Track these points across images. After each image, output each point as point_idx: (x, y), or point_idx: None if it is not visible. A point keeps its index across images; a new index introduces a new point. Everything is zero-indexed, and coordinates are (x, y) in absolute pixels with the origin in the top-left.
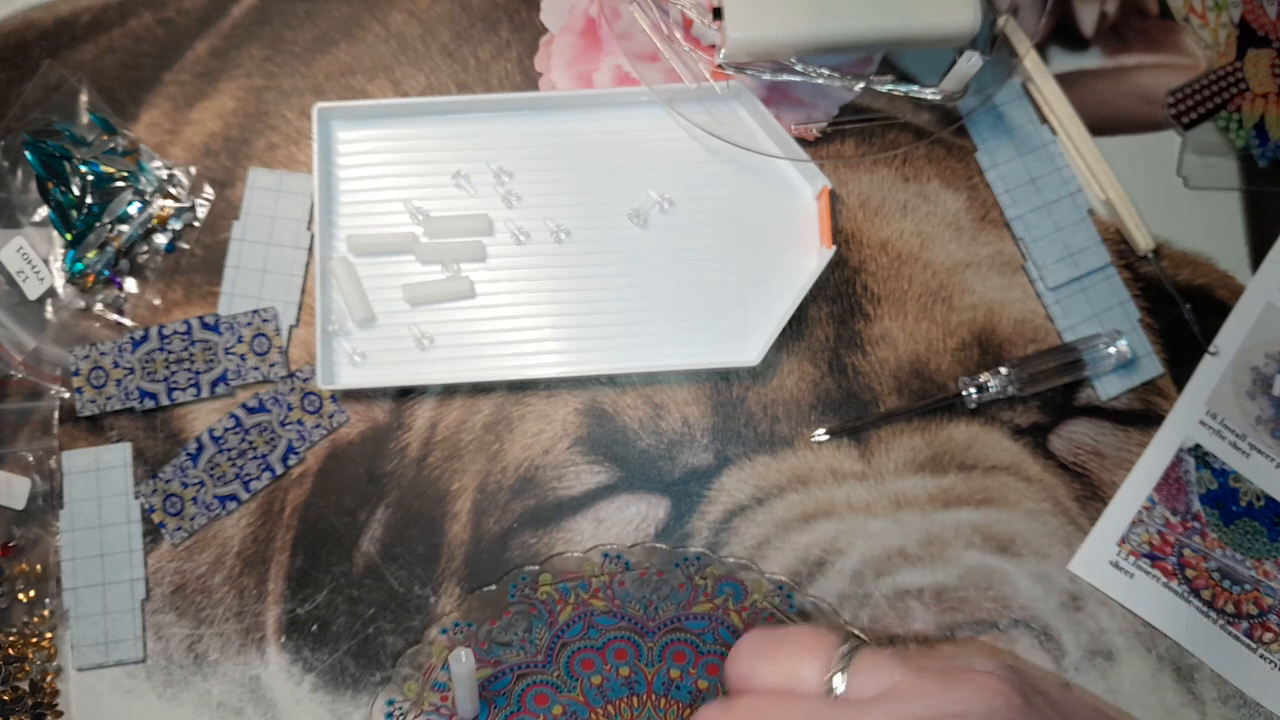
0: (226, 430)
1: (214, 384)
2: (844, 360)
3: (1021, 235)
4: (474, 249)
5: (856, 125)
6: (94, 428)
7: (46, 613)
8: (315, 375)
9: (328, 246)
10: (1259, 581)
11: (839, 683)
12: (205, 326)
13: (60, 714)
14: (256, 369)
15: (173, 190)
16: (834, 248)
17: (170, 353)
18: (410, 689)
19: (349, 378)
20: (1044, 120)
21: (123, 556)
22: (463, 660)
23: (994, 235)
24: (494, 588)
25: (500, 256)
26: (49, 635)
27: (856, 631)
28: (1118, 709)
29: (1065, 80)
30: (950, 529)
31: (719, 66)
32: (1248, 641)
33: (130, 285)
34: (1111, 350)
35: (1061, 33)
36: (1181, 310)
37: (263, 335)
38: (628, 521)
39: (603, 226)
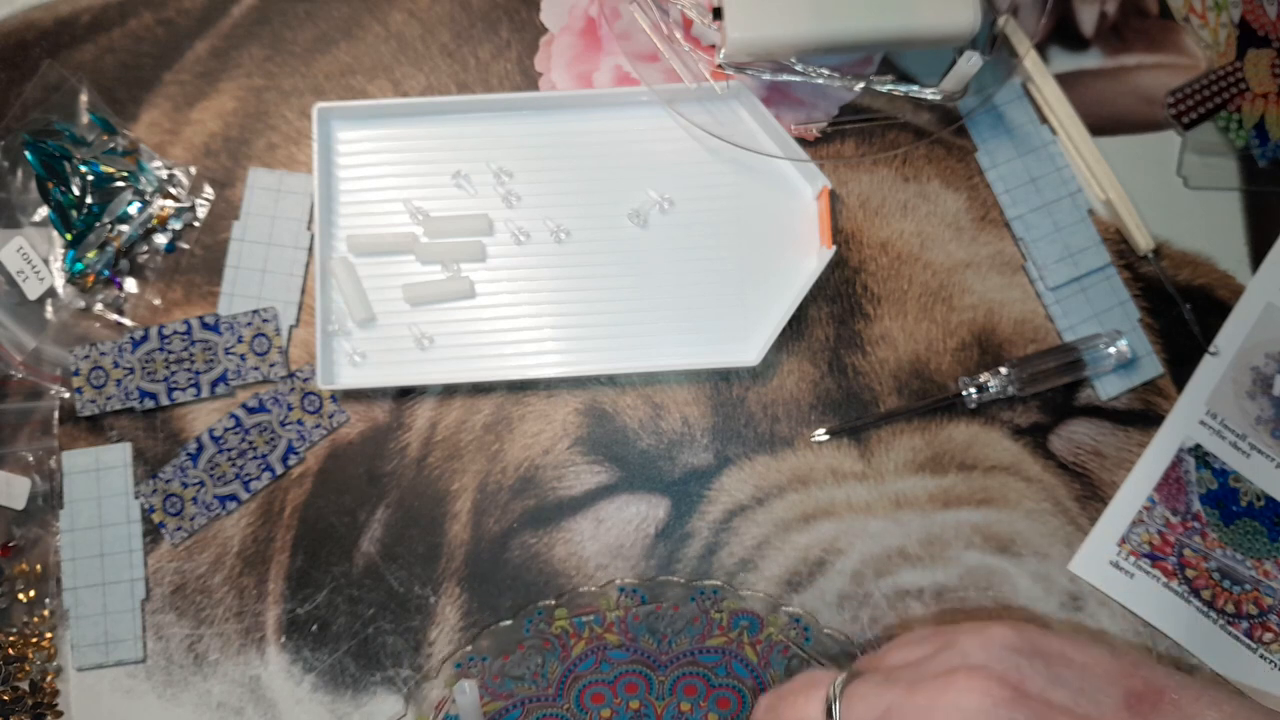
0: (226, 430)
1: (214, 384)
2: (844, 360)
3: (1021, 235)
4: (474, 249)
5: (856, 125)
6: (94, 428)
7: (46, 613)
8: (315, 375)
9: (328, 246)
10: (1259, 581)
11: (836, 712)
12: (205, 326)
13: (60, 714)
14: (256, 369)
15: (173, 190)
16: (834, 248)
17: (170, 353)
18: None
19: (349, 378)
20: (1044, 120)
21: (123, 556)
22: (465, 692)
23: (994, 235)
24: (510, 623)
25: (500, 256)
26: (49, 635)
27: (856, 649)
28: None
29: (1065, 80)
30: (950, 529)
31: (719, 66)
32: (1248, 641)
33: (130, 285)
34: (1111, 350)
35: (1061, 33)
36: (1181, 310)
37: (263, 335)
38: (628, 521)
39: (603, 226)
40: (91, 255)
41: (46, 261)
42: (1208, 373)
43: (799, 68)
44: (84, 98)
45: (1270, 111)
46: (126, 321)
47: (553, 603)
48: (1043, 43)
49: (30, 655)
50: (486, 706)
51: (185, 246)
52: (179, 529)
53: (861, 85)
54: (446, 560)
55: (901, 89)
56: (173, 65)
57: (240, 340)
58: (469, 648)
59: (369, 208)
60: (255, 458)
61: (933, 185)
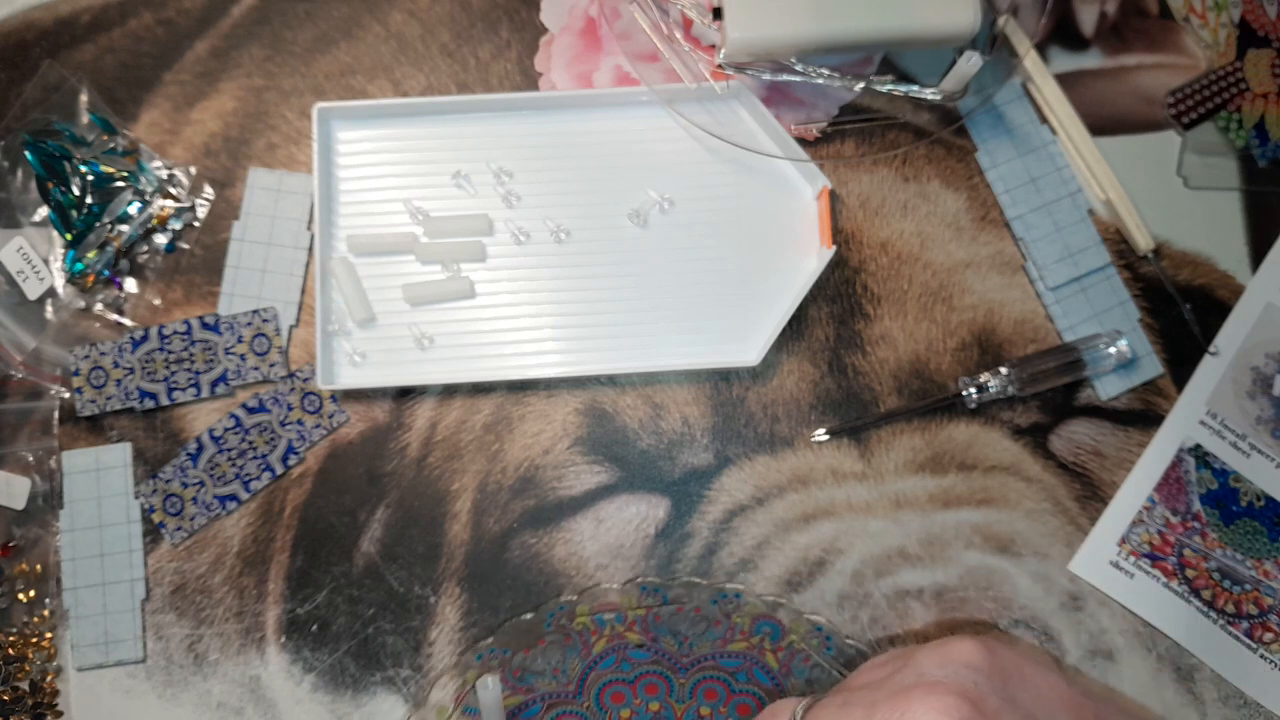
0: (226, 430)
1: (214, 384)
2: (844, 360)
3: (1021, 235)
4: (474, 249)
5: (856, 125)
6: (94, 428)
7: (46, 613)
8: (315, 375)
9: (328, 246)
10: (1259, 581)
11: None
12: (205, 326)
13: (60, 714)
14: (256, 369)
15: (173, 190)
16: (834, 248)
17: (170, 353)
18: (443, 713)
19: (349, 378)
20: (1044, 120)
21: (123, 556)
22: (489, 687)
23: (994, 235)
24: (531, 616)
25: (500, 256)
26: (49, 635)
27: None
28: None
29: (1065, 80)
30: (950, 529)
31: (719, 66)
32: (1248, 641)
33: (130, 285)
34: (1111, 350)
35: (1061, 33)
36: (1181, 310)
37: (263, 335)
38: (628, 521)
39: (603, 226)
40: (91, 255)
41: (46, 261)
42: (1208, 373)
43: (799, 68)
44: (84, 98)
45: (1270, 111)
46: (126, 321)
47: (575, 598)
48: (1043, 43)
49: (30, 655)
50: (506, 700)
51: (185, 246)
52: (179, 529)
53: (861, 85)
54: (446, 560)
55: (901, 89)
56: (173, 65)
57: (240, 340)
58: (490, 640)
59: (369, 208)
60: (255, 458)
61: (933, 185)
